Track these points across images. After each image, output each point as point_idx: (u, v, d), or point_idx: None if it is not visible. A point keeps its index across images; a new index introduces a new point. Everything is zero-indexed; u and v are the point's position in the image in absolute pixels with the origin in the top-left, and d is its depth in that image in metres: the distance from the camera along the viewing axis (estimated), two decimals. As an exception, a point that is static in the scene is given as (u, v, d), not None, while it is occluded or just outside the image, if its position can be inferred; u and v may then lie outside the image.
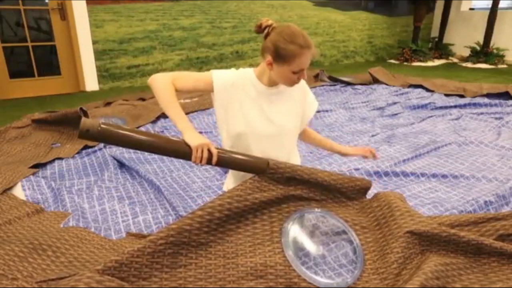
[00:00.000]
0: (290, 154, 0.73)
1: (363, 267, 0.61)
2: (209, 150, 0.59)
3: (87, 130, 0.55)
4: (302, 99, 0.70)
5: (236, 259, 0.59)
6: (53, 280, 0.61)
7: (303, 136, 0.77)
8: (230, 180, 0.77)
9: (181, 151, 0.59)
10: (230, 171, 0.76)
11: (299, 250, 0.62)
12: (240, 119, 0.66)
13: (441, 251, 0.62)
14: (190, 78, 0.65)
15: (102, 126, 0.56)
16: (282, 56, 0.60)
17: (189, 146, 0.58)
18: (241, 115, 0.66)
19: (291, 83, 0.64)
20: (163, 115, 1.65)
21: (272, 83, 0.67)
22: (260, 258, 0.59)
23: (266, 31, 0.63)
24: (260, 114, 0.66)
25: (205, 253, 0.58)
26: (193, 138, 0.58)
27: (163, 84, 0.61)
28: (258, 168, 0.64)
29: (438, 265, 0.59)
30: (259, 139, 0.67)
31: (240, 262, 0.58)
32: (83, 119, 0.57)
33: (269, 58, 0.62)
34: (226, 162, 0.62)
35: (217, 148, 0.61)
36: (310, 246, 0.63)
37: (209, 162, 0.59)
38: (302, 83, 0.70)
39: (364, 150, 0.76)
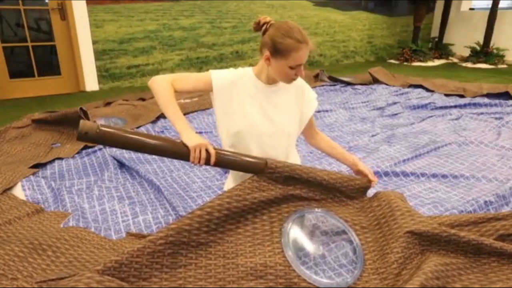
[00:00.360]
0: (289, 154, 0.73)
1: (363, 267, 0.61)
2: (207, 150, 0.59)
3: (85, 133, 0.56)
4: (301, 98, 0.70)
5: (236, 259, 0.59)
6: (53, 280, 0.61)
7: (315, 141, 0.75)
8: (230, 181, 0.77)
9: (180, 152, 0.59)
10: (230, 172, 0.76)
11: (299, 250, 0.62)
12: (240, 117, 0.66)
13: (441, 251, 0.62)
14: (190, 79, 0.66)
15: (101, 128, 0.57)
16: (279, 50, 0.61)
17: (187, 147, 0.58)
18: (240, 113, 0.66)
19: (288, 79, 0.64)
20: (163, 115, 1.65)
21: (270, 81, 0.67)
22: (260, 259, 0.59)
23: (264, 27, 0.63)
24: (260, 112, 0.67)
25: (205, 253, 0.59)
26: (191, 139, 0.59)
27: (163, 86, 0.62)
28: (257, 168, 0.64)
29: (438, 265, 0.58)
30: (258, 137, 0.67)
31: (240, 262, 0.58)
32: (82, 121, 0.57)
33: (267, 53, 0.62)
34: (224, 162, 0.62)
35: (216, 149, 0.61)
36: (310, 246, 0.63)
37: (207, 162, 0.59)
38: (301, 81, 0.70)
39: (372, 175, 0.72)
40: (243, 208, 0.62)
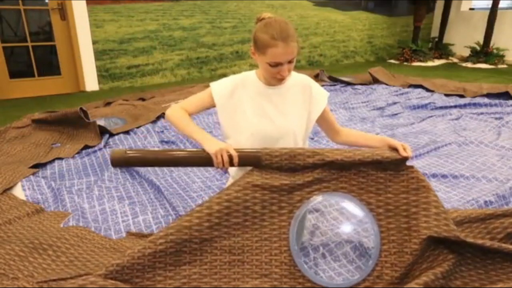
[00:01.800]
0: None
1: (377, 260, 0.57)
2: (229, 153, 0.59)
3: (117, 159, 0.61)
4: (308, 97, 0.68)
5: (242, 256, 0.57)
6: (54, 280, 0.61)
7: (340, 138, 0.71)
8: (230, 181, 0.76)
9: (203, 160, 0.61)
10: (231, 174, 0.75)
11: (306, 247, 0.61)
12: (247, 121, 0.66)
13: (453, 252, 0.59)
14: (195, 101, 0.68)
15: (128, 153, 0.62)
16: (257, 45, 0.61)
17: (209, 154, 0.59)
18: (247, 117, 0.66)
19: (273, 78, 0.63)
20: (163, 115, 1.65)
21: (270, 82, 0.66)
22: (266, 257, 0.57)
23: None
24: (261, 113, 0.66)
25: (210, 249, 0.57)
26: (211, 145, 0.60)
27: (177, 115, 0.66)
28: (257, 160, 0.60)
29: (450, 265, 0.56)
30: (262, 140, 0.66)
31: (246, 259, 0.57)
32: (112, 150, 0.64)
33: (252, 48, 0.63)
34: (244, 160, 0.61)
35: (237, 149, 0.60)
36: (319, 241, 0.63)
37: (232, 164, 0.59)
38: (308, 80, 0.69)
39: (404, 149, 0.61)
40: (246, 199, 0.58)
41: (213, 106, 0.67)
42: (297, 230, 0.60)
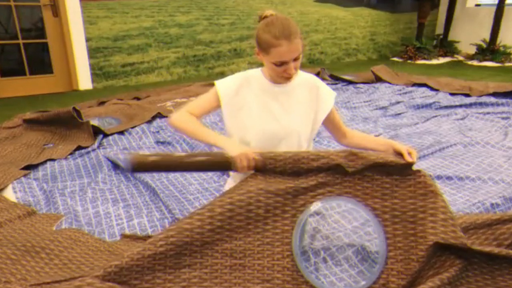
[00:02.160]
0: None
1: (383, 267, 0.56)
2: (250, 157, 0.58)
3: (136, 165, 0.59)
4: (314, 98, 0.66)
5: (243, 260, 0.56)
6: (47, 283, 0.59)
7: (346, 140, 0.70)
8: (231, 182, 0.74)
9: (222, 165, 0.59)
10: (231, 175, 0.74)
11: (304, 253, 0.59)
12: (252, 119, 0.64)
13: (461, 258, 0.57)
14: (201, 102, 0.66)
15: (150, 158, 0.60)
16: (260, 45, 0.60)
17: (229, 158, 0.58)
18: (253, 115, 0.64)
19: (279, 76, 0.62)
20: (159, 115, 1.62)
21: (276, 80, 0.65)
22: (268, 261, 0.56)
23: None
24: (266, 112, 0.64)
25: (211, 252, 0.56)
26: (233, 149, 0.59)
27: (184, 119, 0.63)
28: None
29: (457, 271, 0.55)
30: (268, 139, 0.64)
31: (248, 264, 0.56)
32: (132, 154, 0.60)
33: (256, 48, 0.62)
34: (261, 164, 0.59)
35: (255, 152, 0.59)
36: (322, 246, 0.61)
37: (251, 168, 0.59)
38: (315, 80, 0.67)
39: (409, 154, 0.60)
40: (249, 202, 0.57)
41: (220, 106, 0.65)
42: (299, 235, 0.58)
